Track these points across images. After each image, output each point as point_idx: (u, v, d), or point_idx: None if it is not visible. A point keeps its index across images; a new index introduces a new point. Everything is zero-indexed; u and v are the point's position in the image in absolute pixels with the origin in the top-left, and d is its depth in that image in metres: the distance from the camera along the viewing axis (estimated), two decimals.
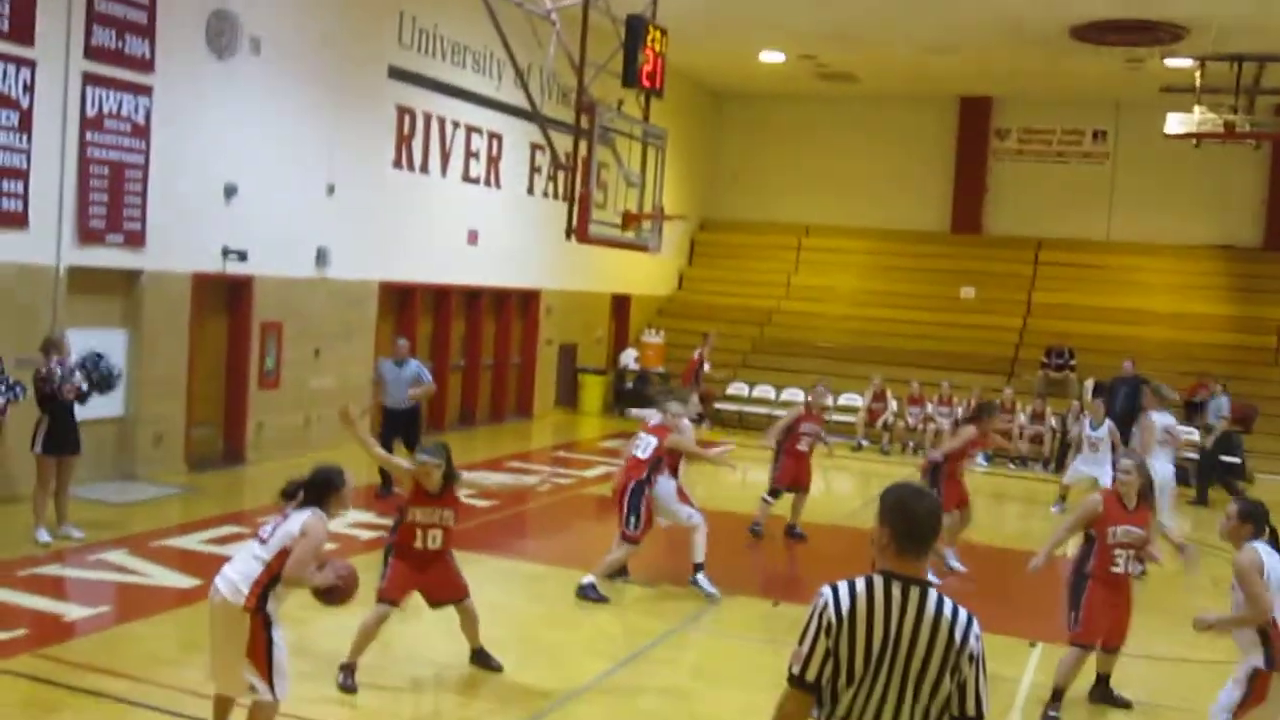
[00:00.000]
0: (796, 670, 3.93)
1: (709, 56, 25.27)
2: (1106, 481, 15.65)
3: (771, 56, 25.05)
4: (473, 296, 20.90)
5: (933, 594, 3.89)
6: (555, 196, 21.87)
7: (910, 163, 29.08)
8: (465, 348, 21.01)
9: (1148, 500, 8.57)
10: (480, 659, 8.49)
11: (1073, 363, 23.91)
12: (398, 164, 18.32)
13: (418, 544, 8.25)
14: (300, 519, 6.41)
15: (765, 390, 24.32)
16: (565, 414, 23.74)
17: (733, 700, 8.35)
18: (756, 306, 27.92)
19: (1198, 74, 20.24)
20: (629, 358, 25.25)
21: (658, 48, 13.73)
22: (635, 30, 13.46)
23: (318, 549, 6.38)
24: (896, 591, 3.86)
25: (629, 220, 14.24)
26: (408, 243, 18.71)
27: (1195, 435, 21.50)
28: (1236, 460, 21.04)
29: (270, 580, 6.30)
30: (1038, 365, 23.73)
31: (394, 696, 8.03)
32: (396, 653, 8.71)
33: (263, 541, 6.44)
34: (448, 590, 8.36)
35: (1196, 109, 20.11)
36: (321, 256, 16.80)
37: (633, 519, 10.70)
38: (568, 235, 13.45)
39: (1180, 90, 21.26)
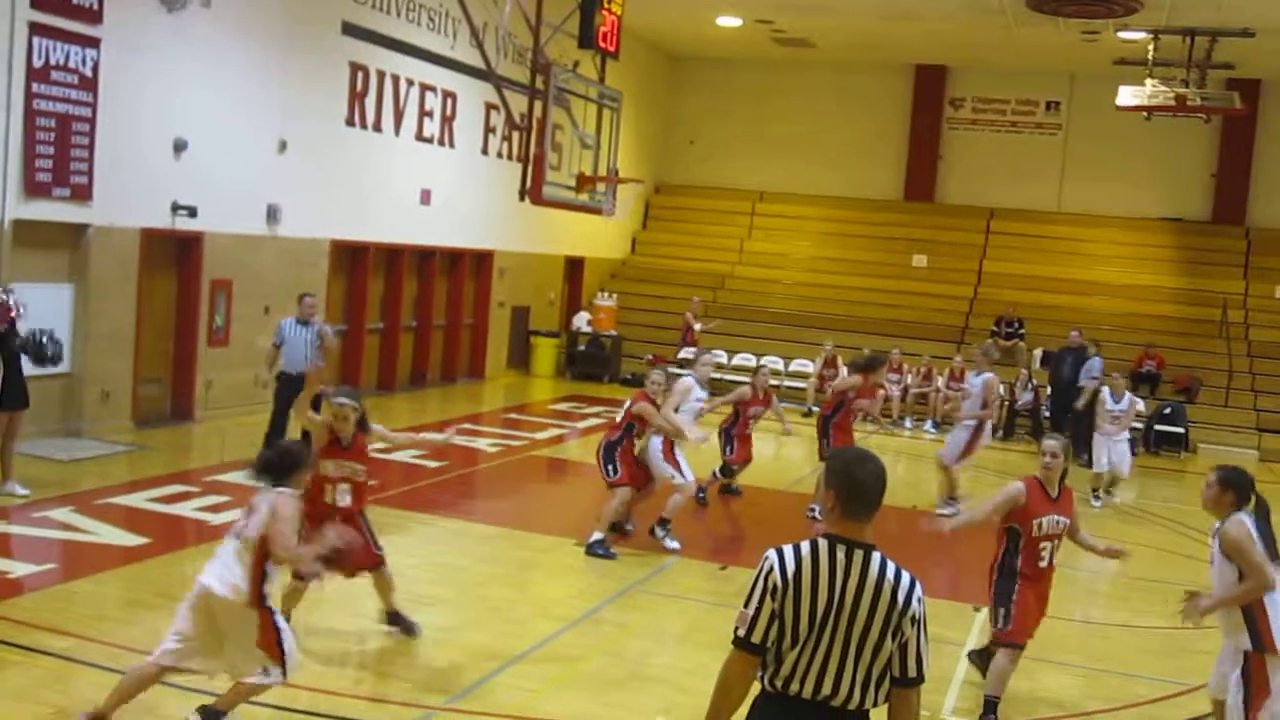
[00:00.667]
0: (742, 632, 3.99)
1: (666, 19, 25.16)
2: (1125, 466, 15.86)
3: (728, 21, 24.97)
4: (425, 256, 20.78)
5: (876, 556, 3.95)
6: (510, 157, 21.76)
7: (865, 130, 29.13)
8: (417, 308, 20.91)
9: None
10: (394, 620, 8.35)
11: (1022, 332, 24.13)
12: (351, 122, 18.13)
13: (326, 499, 7.91)
14: (268, 502, 6.36)
15: (718, 355, 24.35)
16: (517, 376, 23.70)
17: (680, 661, 8.41)
18: (710, 271, 27.94)
19: (1151, 47, 20.37)
20: (581, 321, 25.22)
21: (614, 9, 13.68)
22: None
23: (294, 525, 6.34)
24: (841, 555, 3.92)
25: (583, 183, 14.21)
26: (360, 201, 18.56)
27: (1140, 405, 21.79)
28: (1180, 430, 21.39)
29: (261, 571, 6.26)
30: (988, 334, 23.91)
31: (340, 658, 8.01)
32: (341, 611, 8.69)
33: (239, 537, 6.38)
34: (361, 556, 7.54)
35: (1148, 82, 20.24)
36: (273, 214, 16.64)
37: (609, 468, 11.17)
38: (521, 196, 13.41)
39: (1133, 63, 21.38)
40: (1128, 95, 20.34)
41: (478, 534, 11.62)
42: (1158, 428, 21.41)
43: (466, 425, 17.71)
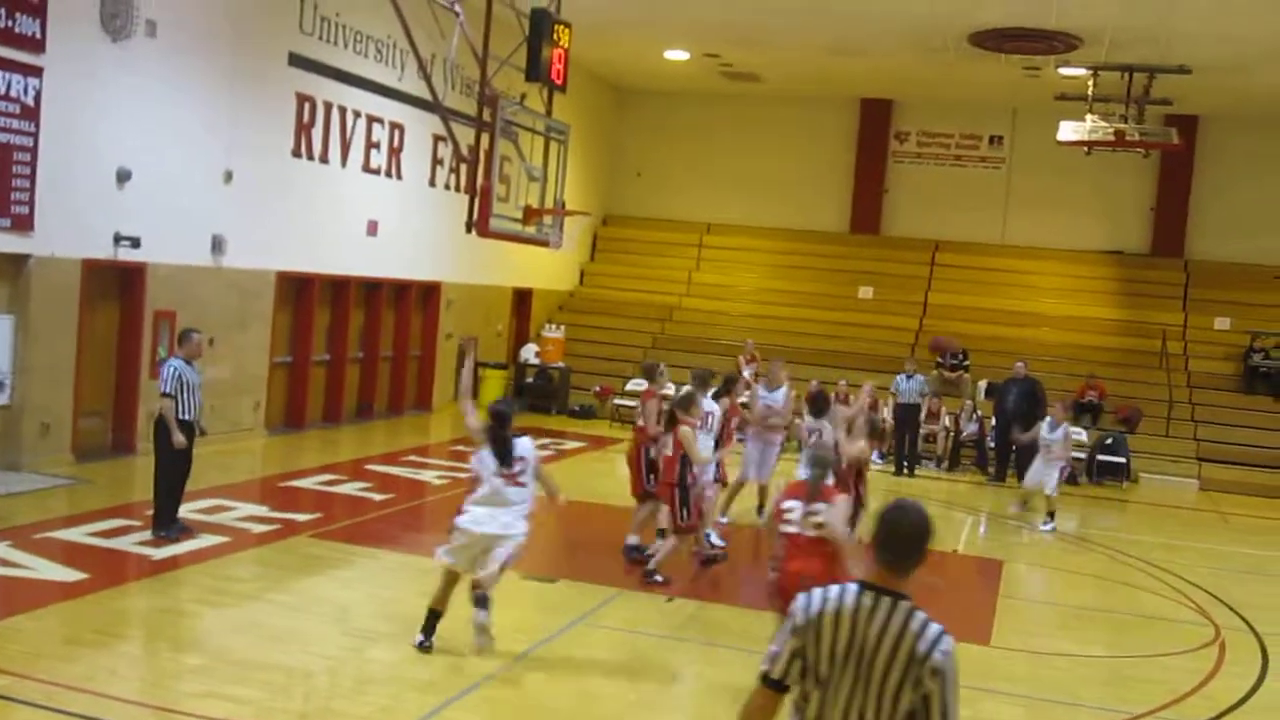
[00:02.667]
0: (765, 668, 4.04)
1: (613, 52, 25.29)
2: (1049, 485, 16.26)
3: (676, 54, 25.14)
4: (372, 288, 20.69)
5: (904, 606, 3.95)
6: (457, 189, 21.73)
7: (811, 163, 29.36)
8: (363, 340, 20.80)
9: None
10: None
11: (966, 363, 24.34)
12: (297, 153, 18.06)
13: None
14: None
15: (665, 387, 24.35)
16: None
17: (626, 694, 8.38)
18: (658, 303, 28.02)
19: (1091, 83, 20.68)
20: (530, 352, 25.19)
21: (562, 42, 13.73)
22: (539, 24, 13.45)
23: None
24: (868, 600, 3.95)
25: (530, 215, 14.22)
26: (306, 232, 18.47)
27: (1083, 435, 22.06)
28: (1121, 459, 21.64)
29: None
30: (933, 365, 24.10)
31: (283, 691, 7.93)
32: (285, 646, 8.60)
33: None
34: None
35: (1089, 117, 20.54)
36: (217, 244, 16.52)
37: (684, 512, 11.32)
38: (468, 229, 13.41)
39: (1074, 98, 21.69)
40: (1068, 130, 20.62)
41: (423, 567, 11.50)
42: (1100, 457, 21.65)
43: (413, 457, 17.63)
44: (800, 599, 4.04)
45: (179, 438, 11.20)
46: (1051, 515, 16.36)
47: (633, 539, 12.22)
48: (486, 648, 8.63)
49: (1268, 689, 9.55)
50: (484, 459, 8.65)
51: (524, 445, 8.72)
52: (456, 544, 8.71)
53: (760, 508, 14.43)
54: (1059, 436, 16.68)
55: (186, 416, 11.35)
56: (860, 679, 3.91)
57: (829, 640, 3.93)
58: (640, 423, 12.56)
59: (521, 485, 8.64)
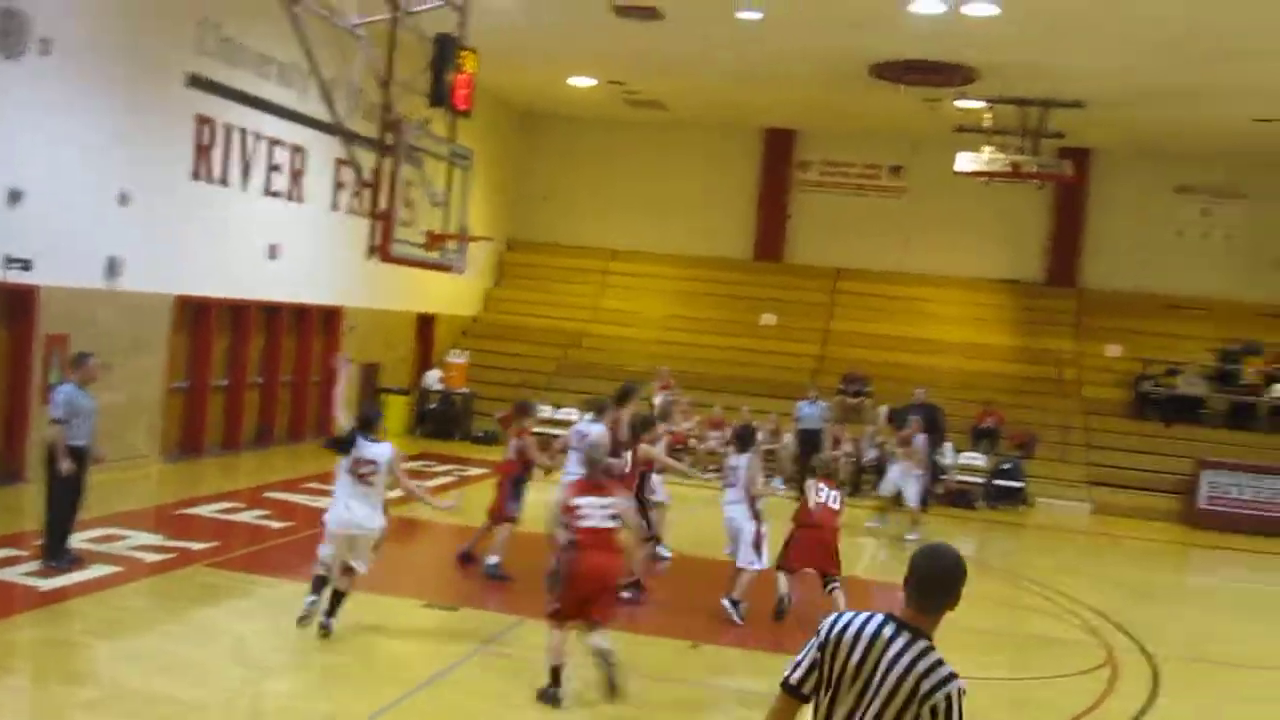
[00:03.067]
0: (785, 674, 4.27)
1: (519, 78, 25.31)
2: (909, 497, 16.89)
3: (581, 81, 25.23)
4: (272, 312, 20.41)
5: (921, 644, 4.09)
6: (360, 213, 21.51)
7: (716, 190, 29.61)
8: (263, 365, 20.49)
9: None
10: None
11: (868, 389, 24.63)
12: (196, 175, 17.78)
13: None
14: None
15: (570, 413, 24.31)
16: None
17: None
18: (563, 329, 28.01)
19: (988, 116, 21.16)
20: (433, 378, 25.01)
21: (466, 68, 13.69)
22: (443, 49, 13.41)
23: None
24: (888, 630, 4.12)
25: (433, 240, 14.15)
26: (205, 256, 18.17)
27: (980, 460, 22.44)
28: (1018, 484, 22.03)
29: None
30: (835, 391, 24.36)
31: None
32: (180, 678, 8.41)
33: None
34: None
35: (986, 149, 21.03)
36: (113, 267, 16.18)
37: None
38: (370, 254, 13.30)
39: (972, 130, 22.19)
40: (966, 161, 21.09)
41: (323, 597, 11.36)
42: (997, 482, 22.03)
43: (314, 484, 17.39)
44: (831, 618, 4.24)
45: (66, 464, 10.84)
46: (915, 523, 16.78)
47: (493, 559, 12.29)
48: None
49: (1158, 708, 9.76)
50: (342, 460, 9.66)
51: (379, 449, 9.64)
52: (328, 540, 9.69)
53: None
54: (917, 445, 17.15)
55: (80, 443, 11.02)
56: (863, 704, 4.08)
57: (843, 659, 4.12)
58: (511, 455, 12.71)
59: (370, 485, 9.57)
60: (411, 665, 9.53)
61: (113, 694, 8.02)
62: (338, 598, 9.67)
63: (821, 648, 4.18)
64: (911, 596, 4.16)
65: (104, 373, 13.77)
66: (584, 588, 8.62)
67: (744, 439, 12.33)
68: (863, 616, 4.18)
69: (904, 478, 17.42)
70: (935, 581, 4.18)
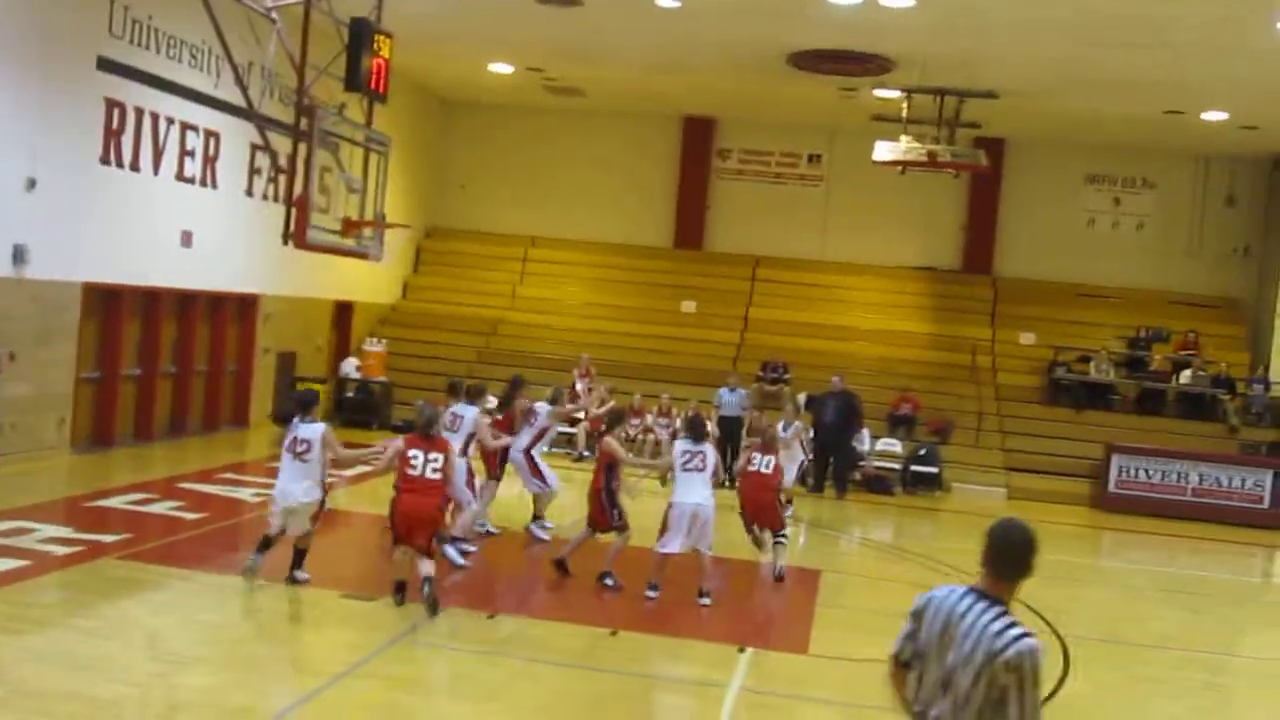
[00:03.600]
0: (891, 648, 4.85)
1: (437, 64, 25.10)
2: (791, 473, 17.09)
3: (500, 68, 25.07)
4: (186, 300, 20.07)
5: (994, 610, 4.52)
6: (275, 199, 21.25)
7: (636, 178, 29.59)
8: (177, 354, 20.15)
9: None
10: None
11: (787, 376, 24.78)
12: (106, 160, 17.41)
13: None
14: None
15: (489, 401, 24.19)
16: (283, 424, 23.06)
17: (444, 712, 8.29)
18: (482, 317, 27.85)
19: (905, 105, 21.33)
20: (350, 367, 24.76)
21: (382, 53, 13.55)
22: (359, 34, 13.27)
23: None
24: (968, 600, 4.58)
25: (349, 227, 14.00)
26: (116, 243, 17.82)
27: (897, 446, 22.69)
28: (934, 470, 22.32)
29: None
30: (754, 378, 24.48)
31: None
32: (89, 674, 8.26)
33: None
34: None
35: (903, 138, 21.18)
36: (19, 254, 15.80)
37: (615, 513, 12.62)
38: (285, 240, 13.12)
39: (889, 120, 22.35)
40: (884, 150, 21.23)
41: (239, 588, 11.22)
42: (914, 468, 22.30)
43: (229, 474, 17.16)
44: (920, 594, 4.76)
45: None
46: (789, 502, 16.94)
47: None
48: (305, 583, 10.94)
49: (1068, 690, 9.94)
50: (286, 440, 11.03)
51: (312, 428, 10.95)
52: (274, 512, 11.04)
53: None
54: (789, 435, 17.29)
55: None
56: (947, 667, 4.53)
57: (929, 628, 4.62)
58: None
59: (306, 461, 10.86)
60: (329, 656, 9.43)
61: (17, 692, 7.83)
62: (299, 555, 11.04)
63: (915, 619, 4.70)
64: (988, 568, 4.60)
65: (7, 364, 13.48)
66: (402, 523, 10.50)
67: (696, 428, 12.34)
68: (946, 589, 4.67)
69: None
70: (1009, 553, 4.60)
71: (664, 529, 11.82)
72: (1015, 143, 27.97)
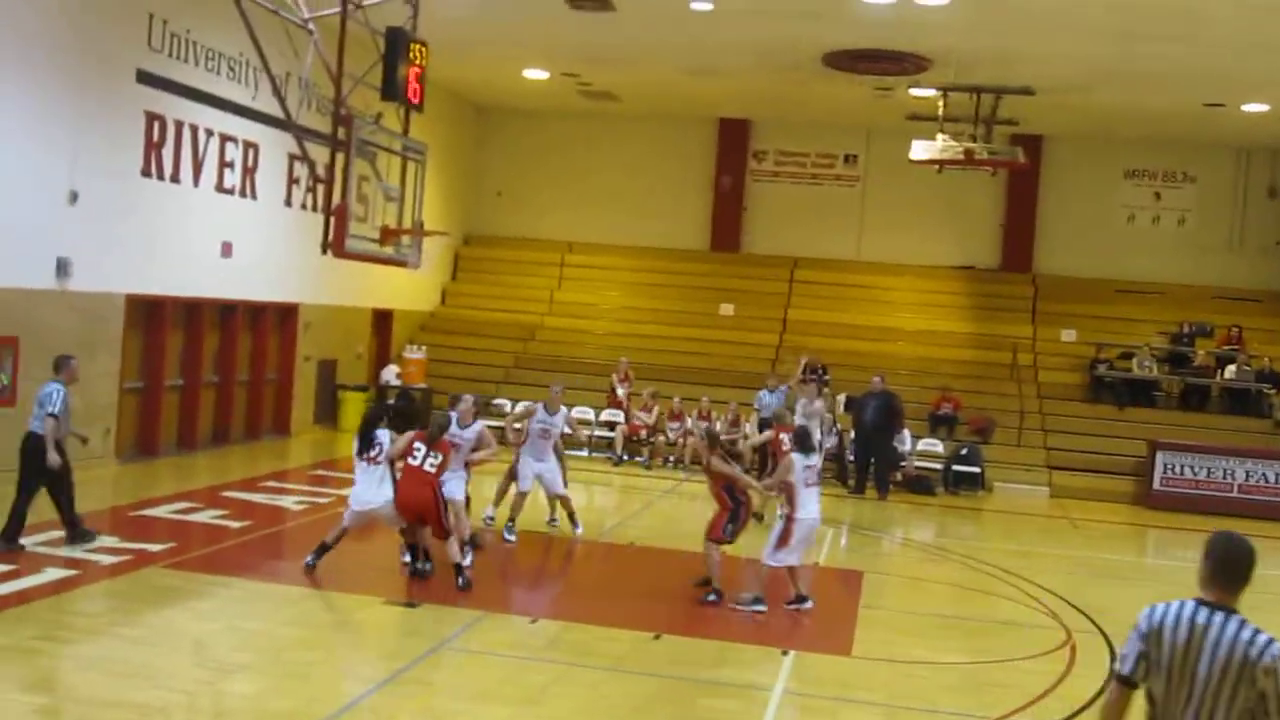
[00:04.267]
0: (1116, 666, 4.87)
1: (472, 71, 25.20)
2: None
3: (535, 73, 25.14)
4: (227, 310, 20.24)
5: (1235, 619, 4.60)
6: (314, 209, 21.35)
7: (671, 181, 29.59)
8: (219, 363, 20.32)
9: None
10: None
11: (826, 378, 24.69)
12: (147, 172, 17.60)
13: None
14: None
15: (528, 406, 24.22)
16: (324, 431, 23.21)
17: (487, 717, 8.30)
18: (520, 322, 27.92)
19: (941, 103, 21.22)
20: (390, 374, 24.89)
21: (418, 61, 13.61)
22: (395, 43, 13.31)
23: None
24: (1202, 614, 4.63)
25: (387, 235, 14.05)
26: (157, 254, 18.00)
27: (939, 446, 22.57)
28: (976, 469, 22.17)
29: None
30: (795, 380, 24.33)
31: None
32: (136, 682, 8.33)
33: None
34: None
35: (940, 136, 21.07)
36: (62, 267, 16.00)
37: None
38: (324, 250, 13.19)
39: (925, 118, 22.24)
40: (920, 149, 21.13)
41: (282, 596, 11.31)
42: (955, 468, 22.15)
43: (271, 483, 17.29)
44: (1146, 610, 4.73)
45: (54, 457, 11.66)
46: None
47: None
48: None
49: None
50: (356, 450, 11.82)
51: (381, 434, 11.76)
52: (350, 515, 11.80)
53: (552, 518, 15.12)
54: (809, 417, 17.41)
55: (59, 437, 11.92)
56: (1199, 681, 4.56)
57: (1170, 646, 4.61)
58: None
59: (378, 464, 11.61)
60: (372, 663, 9.48)
61: (66, 700, 7.93)
62: (414, 549, 11.93)
63: (1145, 639, 4.67)
64: (1215, 580, 4.66)
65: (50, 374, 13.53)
66: (405, 512, 11.55)
67: (809, 440, 12.27)
68: (1175, 605, 4.66)
69: None
70: (1236, 564, 4.66)
71: (784, 542, 11.61)
72: (1053, 139, 27.79)
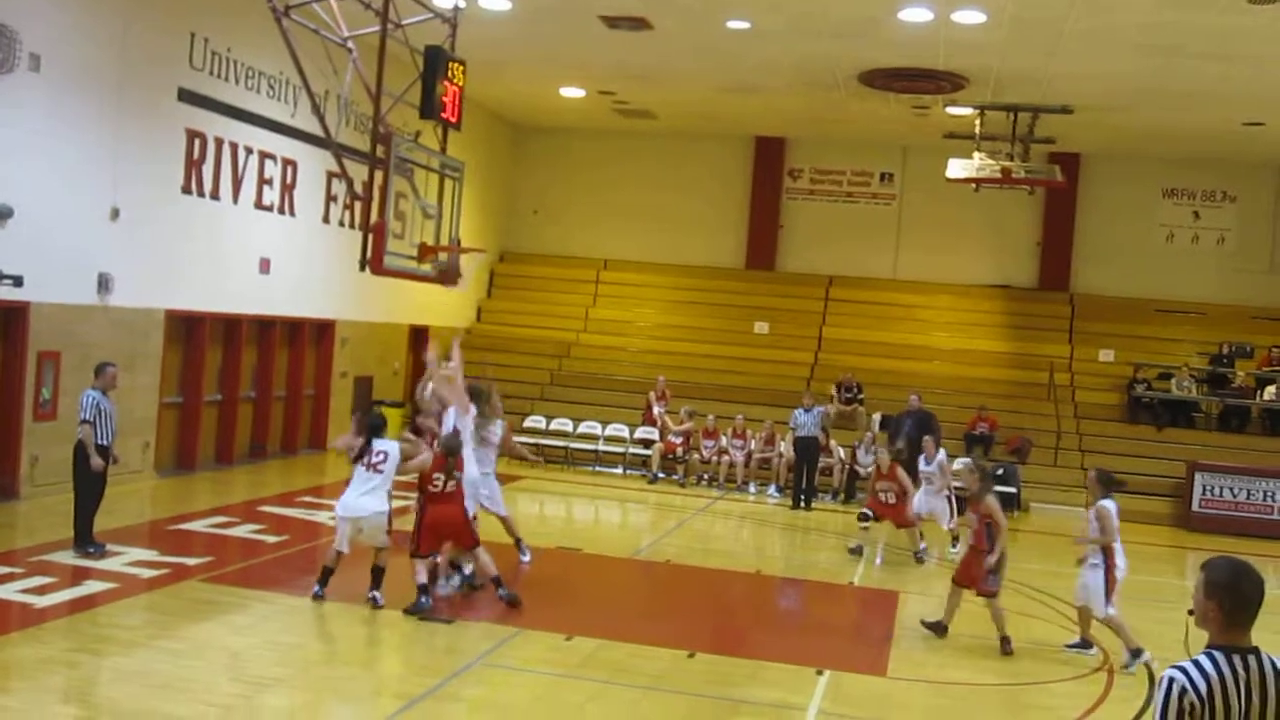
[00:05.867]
0: None
1: (509, 89, 25.33)
2: (943, 518, 16.64)
3: (571, 91, 25.25)
4: (265, 326, 20.40)
5: (1265, 657, 4.17)
6: (351, 226, 21.59)
7: (707, 199, 29.64)
8: (256, 379, 20.48)
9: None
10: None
11: (861, 396, 24.65)
12: (187, 189, 17.78)
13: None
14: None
15: (563, 423, 24.35)
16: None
17: None
18: (555, 339, 28.00)
19: (977, 122, 21.20)
20: (427, 390, 24.93)
21: (456, 80, 13.70)
22: (433, 62, 13.41)
23: None
24: (1238, 662, 4.13)
25: (425, 252, 14.11)
26: (197, 270, 18.17)
27: (960, 464, 22.39)
28: (1013, 489, 22.01)
29: None
30: (828, 399, 24.36)
31: None
32: (173, 694, 8.39)
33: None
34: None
35: (976, 155, 21.04)
36: (104, 283, 16.18)
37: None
38: (362, 267, 13.26)
39: (961, 137, 22.22)
40: (957, 168, 21.10)
41: (318, 610, 11.35)
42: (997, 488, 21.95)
43: (308, 498, 17.38)
44: (1180, 679, 4.12)
45: (97, 461, 12.25)
46: (955, 540, 16.75)
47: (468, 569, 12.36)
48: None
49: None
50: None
51: (387, 445, 11.49)
52: (340, 530, 11.33)
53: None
54: (932, 468, 16.98)
55: (104, 442, 12.48)
56: None
57: (1222, 713, 4.07)
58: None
59: (379, 471, 11.29)
60: (408, 679, 9.51)
61: (103, 712, 7.99)
62: (377, 573, 11.32)
63: (1196, 712, 4.08)
64: (1235, 620, 4.18)
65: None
66: (436, 540, 11.51)
67: (1113, 483, 12.17)
68: (1207, 664, 4.15)
69: (927, 499, 16.98)
70: (1254, 599, 4.20)
71: (1111, 590, 11.33)
72: (1091, 157, 27.66)
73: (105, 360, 13.18)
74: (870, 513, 16.13)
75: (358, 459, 11.36)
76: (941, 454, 17.25)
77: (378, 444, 11.46)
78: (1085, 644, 11.61)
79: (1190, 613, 4.32)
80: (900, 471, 16.20)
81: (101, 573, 11.57)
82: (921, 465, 17.15)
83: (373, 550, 11.37)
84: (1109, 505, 11.54)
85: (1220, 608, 4.17)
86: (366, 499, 11.28)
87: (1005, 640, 11.44)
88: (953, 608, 11.75)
